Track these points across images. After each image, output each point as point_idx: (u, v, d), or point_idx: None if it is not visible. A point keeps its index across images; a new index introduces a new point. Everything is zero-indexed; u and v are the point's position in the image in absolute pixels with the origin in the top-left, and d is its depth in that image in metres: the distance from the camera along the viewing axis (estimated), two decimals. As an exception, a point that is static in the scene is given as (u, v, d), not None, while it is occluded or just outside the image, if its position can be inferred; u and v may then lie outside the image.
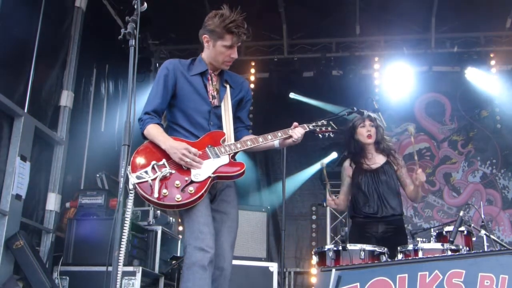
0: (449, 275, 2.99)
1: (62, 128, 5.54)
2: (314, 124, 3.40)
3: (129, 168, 2.88)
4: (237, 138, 3.29)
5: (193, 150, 2.96)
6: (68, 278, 4.81)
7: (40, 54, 5.18)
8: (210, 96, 3.19)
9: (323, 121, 3.45)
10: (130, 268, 4.72)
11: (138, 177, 2.87)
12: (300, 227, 8.05)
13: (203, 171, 2.97)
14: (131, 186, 2.87)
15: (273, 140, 3.18)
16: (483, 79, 7.80)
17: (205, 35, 3.14)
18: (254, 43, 8.09)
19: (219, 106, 3.20)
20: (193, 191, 2.89)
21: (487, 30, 7.76)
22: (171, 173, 2.93)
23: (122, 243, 2.65)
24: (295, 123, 3.24)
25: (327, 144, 7.64)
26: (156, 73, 8.85)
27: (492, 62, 7.80)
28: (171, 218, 5.99)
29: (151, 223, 5.48)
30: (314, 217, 7.96)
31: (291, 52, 8.16)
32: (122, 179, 2.62)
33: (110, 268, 2.48)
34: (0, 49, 4.65)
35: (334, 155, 7.65)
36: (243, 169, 3.06)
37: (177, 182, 2.91)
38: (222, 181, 3.10)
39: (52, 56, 5.55)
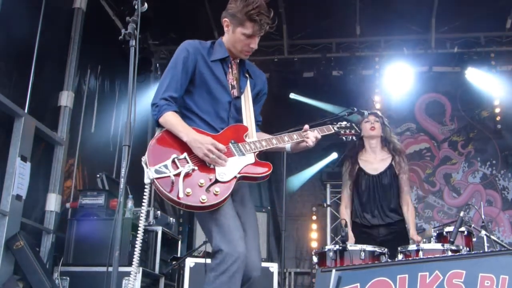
0: (449, 275, 2.99)
1: (62, 128, 5.53)
2: (338, 125, 3.25)
3: (145, 159, 2.68)
4: None
5: (220, 146, 2.69)
6: (68, 278, 4.81)
7: (40, 54, 5.18)
8: (230, 86, 2.93)
9: (347, 123, 3.29)
10: (130, 268, 4.71)
11: (157, 171, 2.60)
12: (300, 228, 8.05)
13: (228, 169, 2.70)
14: (147, 181, 2.65)
15: (290, 142, 2.97)
16: (483, 79, 7.80)
17: (225, 19, 2.90)
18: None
19: (238, 97, 2.95)
20: (218, 192, 2.62)
21: (487, 30, 7.76)
22: (193, 170, 2.65)
23: (136, 244, 2.71)
24: (306, 126, 3.02)
25: (328, 144, 7.65)
26: (156, 73, 8.92)
27: (492, 63, 7.80)
28: (171, 219, 5.98)
29: (151, 223, 5.48)
30: (314, 217, 7.95)
31: (291, 53, 8.16)
32: (122, 179, 2.61)
33: (110, 269, 2.47)
34: (1, 49, 4.65)
35: (334, 155, 7.67)
36: (270, 171, 2.81)
37: (202, 180, 2.63)
38: (246, 181, 2.84)
39: (52, 56, 5.55)
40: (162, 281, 5.51)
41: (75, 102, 5.84)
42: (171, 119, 2.76)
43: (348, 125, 3.28)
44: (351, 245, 3.91)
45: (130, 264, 4.72)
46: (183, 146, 2.72)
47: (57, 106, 5.57)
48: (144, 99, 7.73)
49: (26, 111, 4.92)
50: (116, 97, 7.06)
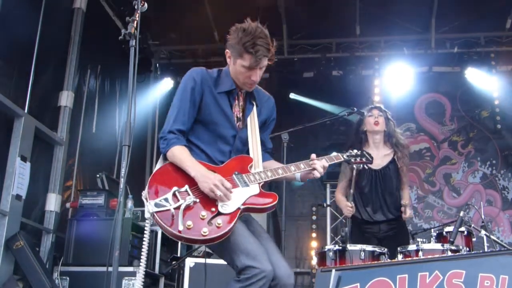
0: (449, 275, 2.99)
1: (62, 128, 5.54)
2: (348, 153, 3.15)
3: (145, 193, 2.61)
4: None
5: (227, 184, 2.62)
6: (68, 278, 4.81)
7: (40, 55, 5.18)
8: (236, 118, 2.85)
9: (357, 151, 3.18)
10: (130, 269, 4.73)
11: (157, 205, 2.53)
12: (300, 228, 8.06)
13: (231, 201, 2.63)
14: (147, 215, 2.58)
15: (296, 171, 2.86)
16: (483, 79, 7.80)
17: (227, 50, 2.80)
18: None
19: (244, 128, 2.87)
20: (221, 225, 2.55)
21: (487, 30, 7.76)
22: (195, 202, 2.59)
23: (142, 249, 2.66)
24: (313, 155, 2.93)
25: (327, 144, 7.67)
26: (156, 73, 8.91)
27: (492, 63, 7.80)
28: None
29: (151, 223, 5.48)
30: (314, 217, 7.95)
31: (291, 53, 8.16)
32: (122, 179, 2.60)
33: (110, 269, 2.47)
34: (1, 49, 4.65)
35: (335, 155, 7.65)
36: (276, 202, 2.73)
37: (203, 213, 2.57)
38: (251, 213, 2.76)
39: (52, 56, 5.55)
40: (162, 281, 5.51)
41: (76, 102, 5.84)
42: (179, 154, 2.70)
43: (358, 153, 3.18)
44: (351, 245, 3.91)
45: (130, 264, 4.76)
46: (184, 178, 2.67)
47: (57, 106, 5.58)
48: (144, 99, 7.76)
49: (26, 111, 4.92)
50: (117, 97, 7.07)
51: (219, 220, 2.56)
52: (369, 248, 3.88)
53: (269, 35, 2.72)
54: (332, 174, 7.71)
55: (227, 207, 2.61)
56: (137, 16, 2.80)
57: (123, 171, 2.58)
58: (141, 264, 2.68)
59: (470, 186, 7.95)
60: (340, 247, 3.89)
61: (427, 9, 7.55)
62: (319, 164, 2.88)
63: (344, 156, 3.09)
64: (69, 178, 5.79)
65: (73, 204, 5.42)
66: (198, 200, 2.60)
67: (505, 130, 7.94)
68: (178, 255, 5.85)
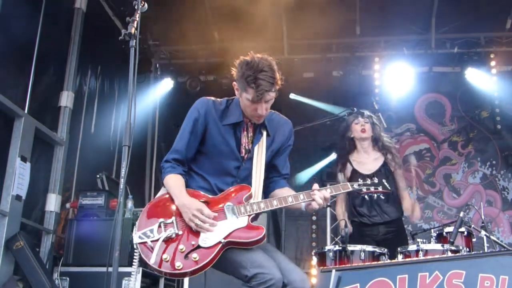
0: (449, 275, 2.99)
1: (62, 128, 5.54)
2: (359, 183, 2.87)
3: (137, 224, 2.66)
4: (270, 189, 2.93)
5: (206, 212, 2.61)
6: (68, 278, 4.82)
7: (40, 55, 5.18)
8: (243, 150, 2.81)
9: (375, 179, 2.89)
10: (130, 269, 4.72)
11: (140, 237, 2.60)
12: (300, 228, 8.05)
13: (213, 234, 2.59)
14: (134, 245, 2.64)
15: (294, 203, 2.74)
16: (483, 79, 7.80)
17: (234, 83, 2.77)
18: (254, 44, 8.09)
19: (251, 159, 2.82)
20: (197, 259, 2.53)
21: (487, 30, 7.77)
22: (177, 234, 2.60)
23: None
24: (315, 185, 2.77)
25: (327, 145, 7.66)
26: (156, 73, 8.91)
27: (492, 63, 7.80)
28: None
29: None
30: (314, 217, 7.95)
31: (291, 53, 8.16)
32: (122, 179, 2.60)
33: (110, 269, 2.47)
34: (1, 49, 4.65)
35: (334, 155, 7.65)
36: (261, 235, 2.62)
37: (181, 246, 2.57)
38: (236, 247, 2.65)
39: (52, 56, 5.55)
40: (162, 281, 5.51)
41: (76, 103, 5.85)
42: (170, 182, 2.75)
43: (376, 181, 2.89)
44: (351, 246, 3.91)
45: (130, 264, 4.75)
46: (177, 210, 2.69)
47: (57, 107, 5.57)
48: (144, 100, 7.75)
49: (26, 111, 4.92)
50: (116, 97, 7.07)
51: (195, 254, 2.55)
52: (369, 248, 3.89)
53: (275, 67, 2.65)
54: (332, 174, 7.72)
55: (207, 240, 2.58)
56: (137, 16, 2.80)
57: (123, 172, 2.58)
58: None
59: (470, 187, 7.95)
60: (340, 248, 3.89)
61: (427, 9, 7.55)
62: (319, 195, 2.72)
63: (355, 186, 2.84)
64: (69, 178, 5.80)
65: (73, 204, 5.42)
66: (180, 233, 2.62)
67: (505, 131, 7.93)
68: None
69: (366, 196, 4.48)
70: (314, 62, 8.15)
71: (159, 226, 2.62)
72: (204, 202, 2.71)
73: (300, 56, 8.19)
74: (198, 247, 2.57)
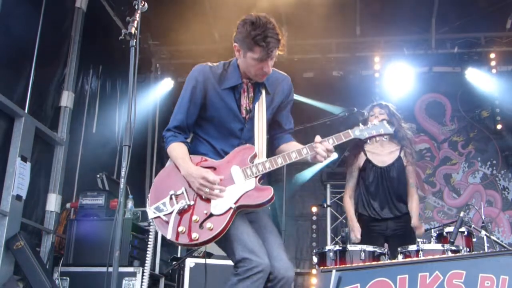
0: (449, 275, 2.99)
1: (63, 128, 5.54)
2: (361, 128, 2.80)
3: (148, 198, 2.68)
4: (276, 145, 2.97)
5: (212, 178, 2.62)
6: (68, 278, 4.81)
7: (40, 55, 5.18)
8: (244, 111, 2.83)
9: (376, 122, 2.82)
10: (130, 269, 4.72)
11: (154, 212, 2.64)
12: (300, 228, 8.05)
13: (223, 201, 2.61)
14: (150, 220, 2.67)
15: (297, 158, 2.74)
16: (483, 79, 7.81)
17: (235, 44, 2.77)
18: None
19: (252, 119, 2.84)
20: (212, 227, 2.56)
21: (488, 30, 7.76)
22: (189, 205, 2.63)
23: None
24: (317, 137, 2.78)
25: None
26: (156, 73, 8.89)
27: (493, 63, 7.80)
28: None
29: (151, 223, 5.47)
30: (314, 217, 7.95)
31: (291, 53, 8.16)
32: (122, 179, 2.61)
33: (110, 269, 2.48)
34: (1, 49, 4.65)
35: (334, 155, 7.64)
36: (271, 196, 2.63)
37: (195, 217, 2.59)
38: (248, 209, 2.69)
39: (53, 56, 5.55)
40: (162, 282, 5.51)
41: (78, 102, 5.86)
42: (173, 152, 2.77)
43: (377, 123, 2.80)
44: (351, 246, 3.91)
45: (130, 264, 4.76)
46: (184, 180, 2.70)
47: (57, 106, 5.57)
48: (144, 99, 7.75)
49: (26, 111, 4.92)
50: (118, 97, 7.07)
51: (209, 223, 2.57)
52: (369, 248, 3.89)
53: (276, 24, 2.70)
54: (332, 174, 7.74)
55: (218, 208, 2.60)
56: (137, 16, 2.80)
57: (123, 172, 2.59)
58: (146, 265, 2.68)
59: (470, 187, 7.95)
60: (341, 248, 3.89)
61: (427, 9, 7.55)
62: (321, 148, 2.72)
63: (356, 133, 2.78)
64: (71, 178, 5.81)
65: (73, 204, 5.42)
66: (192, 203, 2.64)
67: (505, 130, 7.93)
68: (179, 255, 5.85)
69: (379, 189, 4.43)
70: (314, 62, 8.15)
71: (171, 198, 2.65)
72: (210, 167, 2.72)
73: (300, 56, 8.18)
74: (211, 215, 2.60)
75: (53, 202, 5.30)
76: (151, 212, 2.64)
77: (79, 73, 6.03)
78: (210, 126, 2.85)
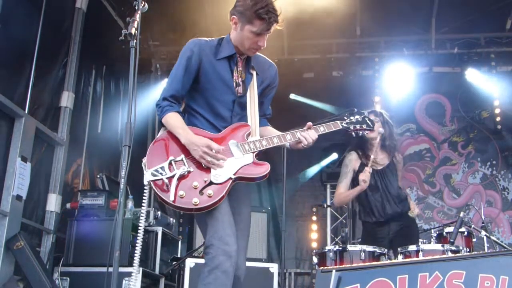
0: (449, 276, 2.99)
1: (63, 129, 5.53)
2: (348, 120, 3.06)
3: (145, 161, 2.75)
4: None
5: (216, 147, 2.71)
6: (68, 278, 4.81)
7: (40, 55, 5.18)
8: (235, 84, 2.90)
9: (359, 116, 3.09)
10: (131, 269, 4.70)
11: (153, 174, 2.68)
12: (300, 228, 8.05)
13: (224, 171, 2.71)
14: (145, 183, 2.71)
15: (292, 140, 2.90)
16: (483, 80, 7.81)
17: (234, 16, 2.85)
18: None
19: (243, 95, 2.92)
20: (212, 194, 2.64)
21: (488, 31, 7.76)
22: (189, 172, 2.69)
23: (137, 244, 2.73)
24: (309, 123, 2.93)
25: (327, 145, 7.66)
26: (156, 73, 8.89)
27: (492, 63, 7.80)
28: (171, 219, 5.99)
29: (151, 223, 5.48)
30: (314, 218, 7.95)
31: (291, 53, 8.16)
32: (122, 180, 2.61)
33: (110, 269, 2.48)
34: (1, 49, 4.65)
35: (334, 156, 7.66)
36: (267, 171, 2.78)
37: (195, 183, 2.67)
38: (243, 182, 2.81)
39: (53, 56, 5.55)
40: (162, 282, 5.51)
41: (81, 103, 5.86)
42: (172, 121, 2.81)
43: (360, 119, 3.08)
44: (351, 246, 3.92)
45: (130, 264, 4.74)
46: (182, 148, 2.76)
47: (57, 107, 5.57)
48: (145, 100, 7.75)
49: (26, 111, 4.92)
50: (121, 97, 7.09)
51: (210, 190, 2.65)
52: (369, 248, 3.89)
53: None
54: (332, 174, 7.74)
55: (219, 177, 2.69)
56: (137, 16, 2.81)
57: (123, 172, 2.60)
58: (134, 263, 2.68)
59: (470, 187, 7.95)
60: (340, 248, 3.90)
61: (427, 10, 7.55)
62: (308, 135, 2.88)
63: (343, 124, 3.03)
64: (75, 178, 5.80)
65: (73, 204, 5.42)
66: (192, 170, 2.70)
67: (505, 131, 7.93)
68: (179, 255, 5.85)
69: (379, 189, 4.46)
70: (314, 62, 8.14)
71: (170, 164, 2.70)
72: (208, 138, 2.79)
73: (300, 56, 8.18)
74: (211, 183, 2.67)
75: (53, 202, 5.30)
76: (149, 174, 2.68)
77: (82, 74, 6.04)
78: (203, 98, 2.89)
